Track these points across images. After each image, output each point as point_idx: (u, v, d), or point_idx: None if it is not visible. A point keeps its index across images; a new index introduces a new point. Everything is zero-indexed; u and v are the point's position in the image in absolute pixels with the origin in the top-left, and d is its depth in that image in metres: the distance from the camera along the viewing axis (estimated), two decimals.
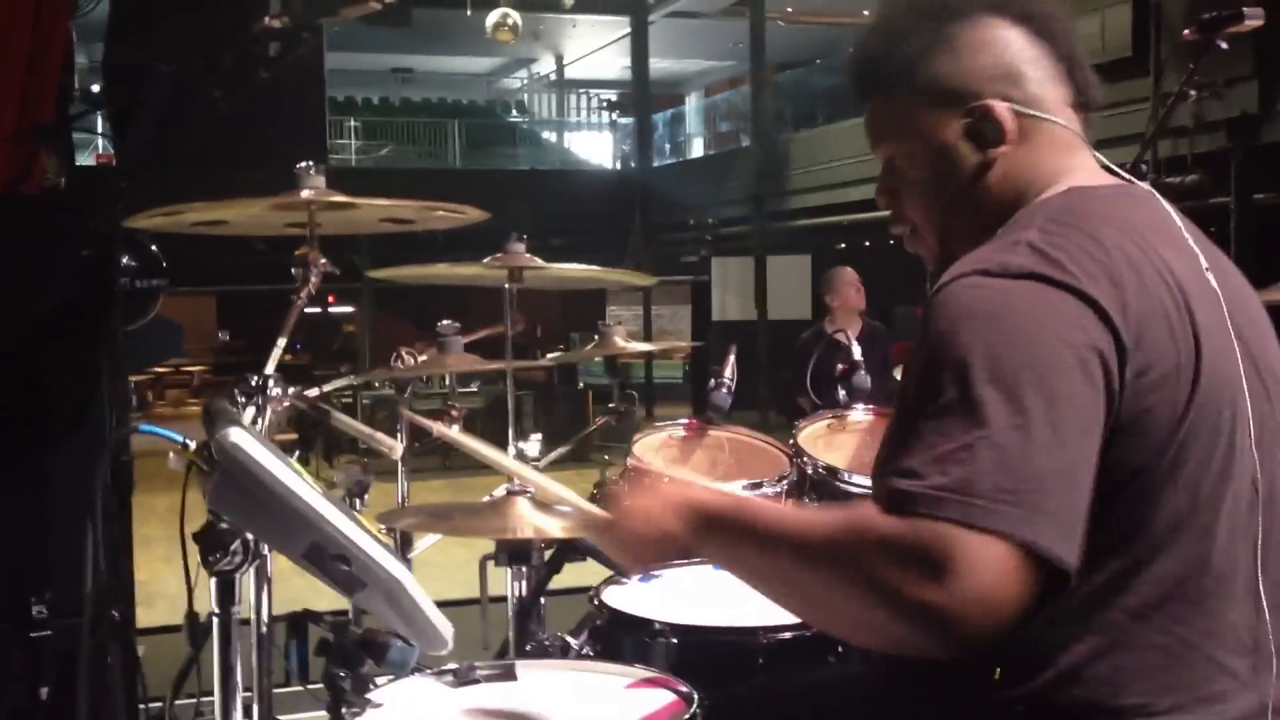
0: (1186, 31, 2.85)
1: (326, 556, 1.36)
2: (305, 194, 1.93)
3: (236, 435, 1.31)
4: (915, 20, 1.57)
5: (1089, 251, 1.37)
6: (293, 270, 1.91)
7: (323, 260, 1.91)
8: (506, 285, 2.33)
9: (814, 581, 1.33)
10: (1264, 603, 1.43)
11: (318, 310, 25.91)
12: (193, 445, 1.42)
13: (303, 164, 1.93)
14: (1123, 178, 1.58)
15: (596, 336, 3.00)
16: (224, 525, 1.45)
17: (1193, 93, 2.89)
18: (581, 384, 18.09)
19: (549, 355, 3.19)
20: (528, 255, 2.44)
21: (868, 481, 2.20)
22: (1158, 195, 1.56)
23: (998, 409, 1.26)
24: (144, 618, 3.99)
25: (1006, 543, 1.21)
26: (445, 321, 2.54)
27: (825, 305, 6.53)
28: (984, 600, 1.20)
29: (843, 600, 1.30)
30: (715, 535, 1.47)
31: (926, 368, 1.34)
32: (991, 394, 1.27)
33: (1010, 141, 1.52)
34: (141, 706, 2.92)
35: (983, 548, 1.21)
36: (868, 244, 17.55)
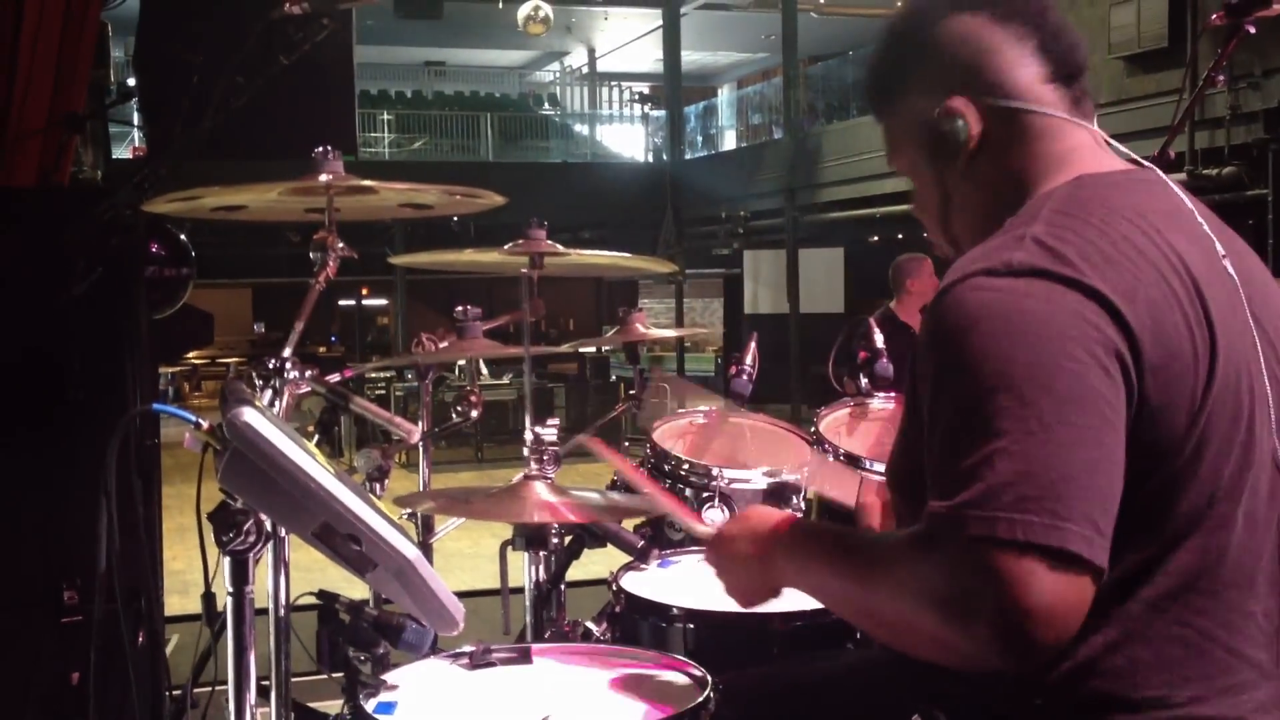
0: (1215, 16, 2.81)
1: (337, 536, 1.37)
2: (323, 178, 1.94)
3: (248, 414, 1.32)
4: (897, 35, 1.61)
5: (1095, 243, 1.35)
6: (311, 254, 1.91)
7: (340, 245, 1.91)
8: (524, 271, 2.33)
9: (882, 611, 1.35)
10: None
11: (352, 303, 26.16)
12: (205, 424, 1.43)
13: (320, 148, 1.93)
14: (1127, 156, 1.56)
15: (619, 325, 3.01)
16: (237, 505, 1.46)
17: (1221, 78, 2.85)
18: (614, 376, 18.10)
19: (568, 344, 3.19)
20: (548, 242, 2.44)
21: None
22: (1167, 179, 1.53)
23: (1012, 416, 1.24)
24: (179, 606, 4.03)
25: (1040, 553, 1.20)
26: (463, 307, 2.55)
27: (905, 289, 6.49)
28: (1038, 613, 1.19)
29: (910, 632, 1.31)
30: (791, 559, 1.53)
31: (939, 378, 1.33)
32: (1005, 402, 1.25)
33: (979, 135, 1.51)
34: (168, 694, 2.94)
35: (1019, 562, 1.20)
36: (900, 236, 17.46)
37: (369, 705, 1.75)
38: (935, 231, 1.63)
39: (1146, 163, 1.56)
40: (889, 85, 1.60)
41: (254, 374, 1.77)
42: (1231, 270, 1.45)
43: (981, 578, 1.20)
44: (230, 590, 1.55)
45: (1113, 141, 1.57)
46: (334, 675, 1.86)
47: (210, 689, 2.35)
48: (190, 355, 21.05)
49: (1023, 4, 1.54)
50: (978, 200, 1.54)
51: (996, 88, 1.51)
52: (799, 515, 1.98)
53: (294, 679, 1.93)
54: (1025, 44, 1.52)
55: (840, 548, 1.45)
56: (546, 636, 2.38)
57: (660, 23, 22.43)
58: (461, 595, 1.60)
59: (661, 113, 23.21)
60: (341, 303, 25.53)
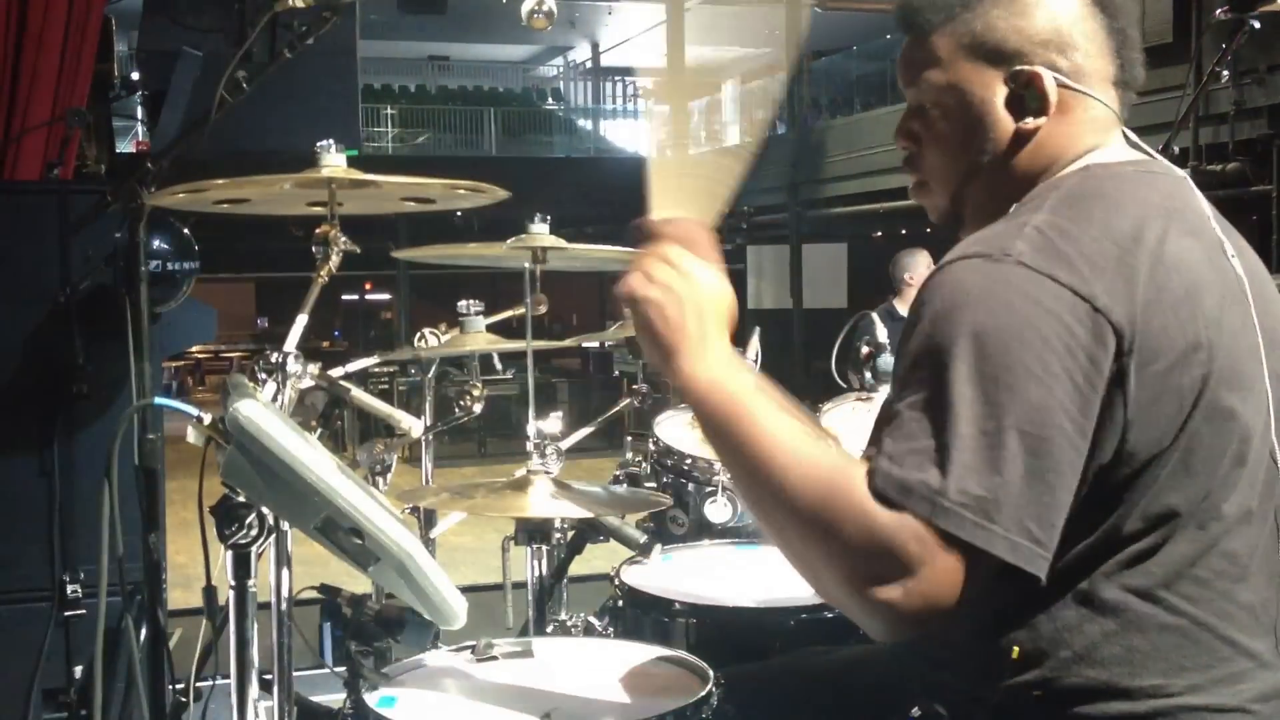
0: (1219, 11, 2.82)
1: (340, 530, 1.37)
2: (326, 172, 1.94)
3: (248, 408, 1.32)
4: None
5: (1095, 239, 1.34)
6: (313, 248, 1.91)
7: (343, 239, 1.91)
8: (528, 265, 2.34)
9: (785, 517, 1.32)
10: None
11: (355, 298, 26.16)
12: (207, 419, 1.43)
13: (323, 142, 1.93)
14: (1151, 156, 1.54)
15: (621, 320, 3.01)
16: (239, 499, 1.46)
17: (1225, 73, 2.85)
18: (617, 372, 18.08)
19: (571, 339, 3.19)
20: (550, 236, 2.44)
21: None
22: (1180, 174, 1.52)
23: (975, 410, 1.26)
24: (182, 600, 4.02)
25: (961, 546, 1.23)
26: (466, 302, 2.55)
27: (904, 283, 6.55)
28: (927, 597, 1.23)
29: (806, 547, 1.31)
30: (713, 419, 1.40)
31: (917, 351, 1.33)
32: (971, 393, 1.26)
33: (1049, 114, 1.47)
34: (170, 687, 2.94)
35: (942, 549, 1.23)
36: (904, 232, 17.45)
37: (371, 699, 1.76)
38: (942, 178, 1.55)
39: (1166, 161, 1.54)
40: (955, 12, 1.49)
41: (257, 368, 1.77)
42: (1240, 270, 1.44)
43: (901, 551, 1.23)
44: (232, 584, 1.55)
45: (1137, 140, 1.55)
46: (336, 669, 1.86)
47: (212, 682, 2.35)
48: (193, 349, 21.08)
49: (1121, 2, 1.51)
50: (1011, 170, 1.50)
51: (1081, 73, 1.48)
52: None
53: (296, 673, 1.93)
54: (1110, 40, 1.50)
55: (776, 445, 1.33)
56: (549, 631, 2.39)
57: (664, 17, 22.40)
58: (464, 590, 1.60)
59: (665, 107, 23.19)
60: (344, 297, 25.54)
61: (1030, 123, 1.48)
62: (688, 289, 1.46)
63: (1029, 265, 1.32)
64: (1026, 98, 1.47)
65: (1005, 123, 1.49)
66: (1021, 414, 1.26)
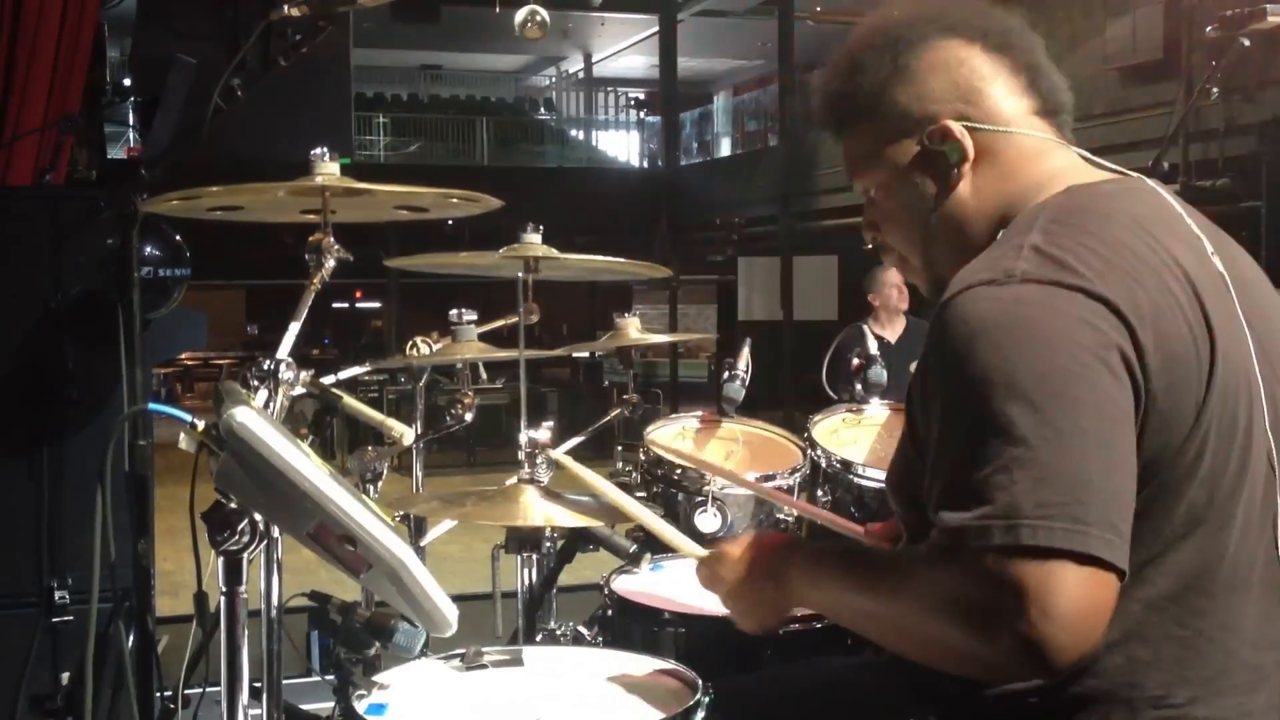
0: (1210, 29, 2.84)
1: (332, 537, 1.37)
2: (320, 180, 1.94)
3: (243, 415, 1.32)
4: (871, 53, 1.57)
5: (1095, 249, 1.36)
6: (306, 256, 1.91)
7: (337, 247, 1.91)
8: (520, 275, 2.34)
9: (902, 627, 1.35)
10: None
11: (345, 305, 26.12)
12: (200, 425, 1.43)
13: (317, 150, 1.94)
14: (1113, 170, 1.56)
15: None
16: (232, 505, 1.46)
17: (1214, 90, 2.88)
18: (606, 382, 18.10)
19: (562, 348, 3.19)
20: (543, 246, 2.45)
21: (881, 475, 2.20)
22: (1151, 183, 1.54)
23: (1025, 424, 1.24)
24: (169, 607, 4.01)
25: (1064, 558, 1.20)
26: (458, 310, 2.55)
27: (868, 303, 6.60)
28: (1065, 619, 1.20)
29: (934, 646, 1.31)
30: (806, 578, 1.52)
31: (947, 390, 1.33)
32: (1016, 410, 1.25)
33: (973, 160, 1.52)
34: (159, 694, 2.93)
35: (1043, 569, 1.20)
36: None
37: (360, 706, 1.76)
38: (909, 251, 1.62)
39: (1132, 173, 1.57)
40: (864, 103, 1.57)
41: (249, 375, 1.77)
42: (1220, 268, 1.46)
43: (1007, 587, 1.20)
44: (223, 590, 1.55)
45: (1095, 158, 1.58)
46: (325, 677, 1.86)
47: (201, 690, 2.34)
48: (183, 356, 21.03)
49: (1016, 38, 1.56)
50: (962, 221, 1.54)
51: (994, 115, 1.53)
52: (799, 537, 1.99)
53: (285, 681, 1.93)
54: (1016, 77, 1.55)
55: (859, 564, 1.45)
56: (538, 640, 2.39)
57: (657, 29, 22.43)
58: (453, 599, 1.60)
59: (657, 119, 23.22)
60: (335, 305, 25.53)
61: (957, 173, 1.53)
62: (733, 567, 1.66)
63: (1035, 279, 1.33)
64: (946, 151, 1.53)
65: (935, 180, 1.54)
66: (1072, 412, 1.25)
